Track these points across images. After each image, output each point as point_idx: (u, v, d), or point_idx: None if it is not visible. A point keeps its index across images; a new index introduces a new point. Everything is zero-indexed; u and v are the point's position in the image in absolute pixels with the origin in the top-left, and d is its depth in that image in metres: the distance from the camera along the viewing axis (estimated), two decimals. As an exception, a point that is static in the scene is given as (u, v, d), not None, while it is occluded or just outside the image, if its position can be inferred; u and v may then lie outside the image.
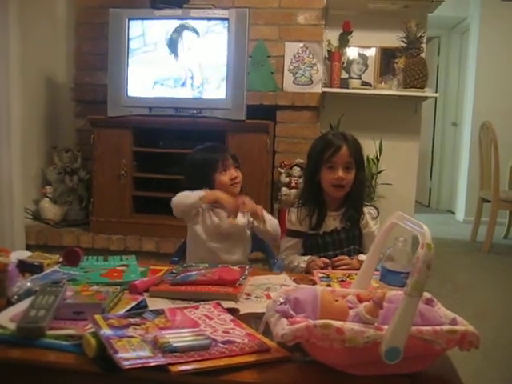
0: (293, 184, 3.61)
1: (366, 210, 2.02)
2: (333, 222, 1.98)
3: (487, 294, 3.60)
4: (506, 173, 5.29)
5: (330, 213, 1.99)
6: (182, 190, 2.09)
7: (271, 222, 2.06)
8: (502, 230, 5.27)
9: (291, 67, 3.78)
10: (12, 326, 1.14)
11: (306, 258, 1.93)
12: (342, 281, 1.60)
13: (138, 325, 1.13)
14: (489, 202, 4.91)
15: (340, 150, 1.92)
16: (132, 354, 1.00)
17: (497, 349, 2.58)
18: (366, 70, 3.86)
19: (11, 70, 3.28)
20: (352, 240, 1.99)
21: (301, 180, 3.59)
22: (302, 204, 2.03)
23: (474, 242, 5.12)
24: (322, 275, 1.66)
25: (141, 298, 1.36)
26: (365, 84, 3.82)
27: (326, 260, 1.86)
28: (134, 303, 1.32)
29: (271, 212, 3.66)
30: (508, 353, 2.65)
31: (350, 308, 1.12)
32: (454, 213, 6.70)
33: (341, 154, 1.92)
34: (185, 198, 2.00)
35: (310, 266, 1.87)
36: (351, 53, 3.86)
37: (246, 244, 2.10)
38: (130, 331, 1.10)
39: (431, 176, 7.42)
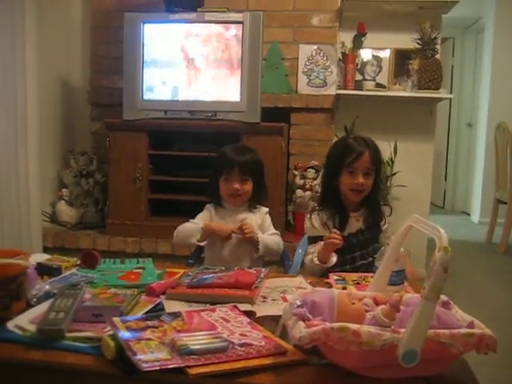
0: (307, 186, 3.60)
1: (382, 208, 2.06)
2: (356, 223, 1.99)
3: (503, 296, 3.57)
4: (522, 174, 5.24)
5: (352, 214, 2.00)
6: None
7: (272, 242, 2.07)
8: (518, 232, 5.22)
9: (305, 69, 3.78)
10: (32, 327, 1.16)
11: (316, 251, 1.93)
12: (358, 283, 1.60)
13: (156, 327, 1.14)
14: (505, 203, 4.87)
15: (362, 156, 1.93)
16: (150, 356, 1.01)
17: (513, 351, 2.56)
18: (380, 71, 3.85)
19: (28, 73, 3.31)
20: (375, 239, 2.01)
21: (315, 182, 3.60)
22: (321, 208, 2.02)
23: (489, 244, 5.08)
24: (337, 278, 1.66)
25: (158, 300, 1.37)
26: (379, 86, 3.81)
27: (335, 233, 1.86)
28: (151, 306, 1.33)
29: (285, 215, 3.67)
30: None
31: (367, 311, 1.13)
32: (469, 214, 6.65)
33: (362, 160, 1.93)
34: (184, 238, 2.05)
35: (322, 249, 1.88)
36: (365, 54, 3.85)
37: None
38: (148, 334, 1.11)
39: (446, 177, 7.38)
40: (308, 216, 2.07)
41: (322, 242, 1.90)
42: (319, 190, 2.21)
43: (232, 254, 2.03)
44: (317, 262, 1.88)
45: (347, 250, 1.94)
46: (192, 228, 2.05)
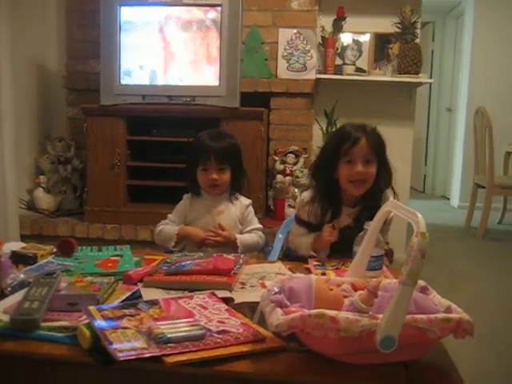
0: (287, 171, 3.60)
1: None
2: (347, 219, 1.83)
3: (482, 280, 3.61)
4: (501, 158, 5.30)
5: (345, 209, 1.84)
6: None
7: (251, 241, 2.02)
8: (496, 216, 5.29)
9: (285, 54, 3.75)
10: (6, 317, 1.13)
11: (312, 236, 1.83)
12: (337, 268, 1.60)
13: (133, 316, 1.13)
14: (483, 187, 4.92)
15: (359, 141, 1.76)
16: (126, 345, 1.00)
17: (492, 334, 2.59)
18: (360, 56, 3.84)
19: (1, 58, 3.24)
20: None
21: (295, 167, 3.59)
22: (314, 202, 1.86)
23: (468, 228, 5.14)
24: (316, 263, 1.66)
25: (135, 288, 1.36)
26: (359, 70, 3.80)
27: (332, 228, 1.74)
28: (128, 293, 1.32)
29: (266, 200, 3.66)
30: (503, 338, 2.67)
31: (345, 297, 1.13)
32: (448, 198, 6.72)
33: (359, 146, 1.76)
34: (162, 242, 2.03)
35: (316, 243, 1.79)
36: (345, 39, 3.83)
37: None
38: (125, 322, 1.09)
39: (426, 162, 7.43)
40: (300, 196, 1.95)
41: (316, 234, 1.81)
42: (312, 183, 1.94)
43: (214, 249, 1.99)
44: (309, 249, 1.80)
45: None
46: (168, 233, 2.00)
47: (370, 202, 1.77)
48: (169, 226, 2.04)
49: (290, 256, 1.97)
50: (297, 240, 1.91)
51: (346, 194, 1.84)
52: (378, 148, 1.80)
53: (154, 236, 2.11)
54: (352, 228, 1.80)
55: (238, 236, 2.00)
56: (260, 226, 2.11)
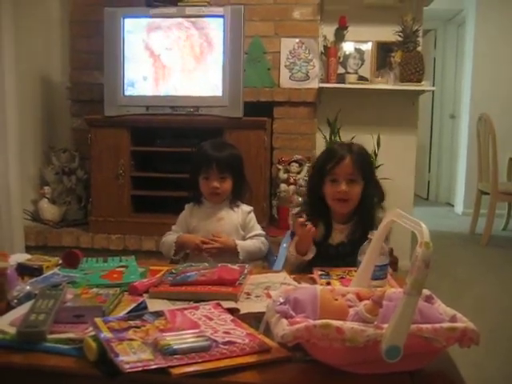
0: (291, 180, 3.60)
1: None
2: (339, 236, 1.86)
3: (486, 287, 3.60)
4: (505, 165, 5.30)
5: (337, 225, 1.87)
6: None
7: (253, 247, 2.04)
8: (500, 222, 5.28)
9: (287, 63, 3.77)
10: (12, 330, 1.14)
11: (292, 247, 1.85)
12: (342, 278, 1.60)
13: (138, 327, 1.13)
14: (487, 194, 4.92)
15: (342, 161, 1.79)
16: (133, 357, 1.00)
17: (497, 341, 2.58)
18: (362, 64, 3.85)
19: (6, 69, 3.26)
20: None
21: (299, 176, 3.60)
22: (308, 218, 1.84)
23: (472, 235, 5.13)
24: (321, 273, 1.66)
25: (141, 299, 1.36)
26: (361, 79, 3.81)
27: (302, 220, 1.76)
28: (133, 305, 1.32)
29: (270, 209, 3.66)
30: (507, 345, 2.66)
31: (350, 307, 1.13)
32: (452, 205, 6.70)
33: (343, 165, 1.79)
34: (166, 253, 2.06)
35: (298, 242, 1.81)
36: (347, 48, 3.85)
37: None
38: (131, 334, 1.10)
39: (430, 169, 7.42)
40: (293, 212, 2.02)
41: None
42: (305, 199, 2.02)
43: (216, 259, 2.00)
44: (294, 254, 1.81)
45: (323, 259, 1.82)
46: (169, 242, 2.04)
47: (362, 220, 1.81)
48: (170, 237, 2.06)
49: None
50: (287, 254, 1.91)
51: (335, 212, 1.87)
52: (363, 167, 1.82)
53: (158, 246, 2.14)
54: (345, 244, 1.84)
55: (238, 242, 2.01)
56: (262, 232, 2.13)
